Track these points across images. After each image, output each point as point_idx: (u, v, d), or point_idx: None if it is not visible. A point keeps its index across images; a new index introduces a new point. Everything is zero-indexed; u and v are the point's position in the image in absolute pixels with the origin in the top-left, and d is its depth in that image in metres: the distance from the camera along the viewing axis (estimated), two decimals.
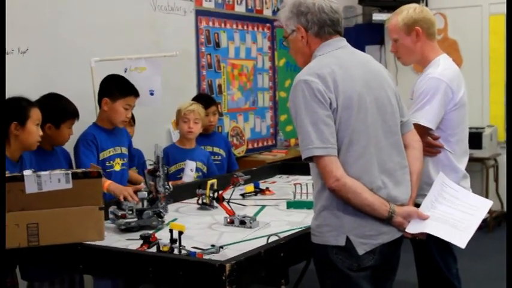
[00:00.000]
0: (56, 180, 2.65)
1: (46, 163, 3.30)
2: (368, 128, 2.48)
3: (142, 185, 3.33)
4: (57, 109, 3.46)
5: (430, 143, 3.11)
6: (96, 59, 4.21)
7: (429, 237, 2.71)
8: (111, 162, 3.75)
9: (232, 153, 4.95)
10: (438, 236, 2.53)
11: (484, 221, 6.57)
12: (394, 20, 3.25)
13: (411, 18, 3.20)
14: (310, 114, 2.41)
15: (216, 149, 4.69)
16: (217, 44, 6.16)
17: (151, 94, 4.26)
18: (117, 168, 3.76)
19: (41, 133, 3.17)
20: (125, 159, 3.85)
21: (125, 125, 3.85)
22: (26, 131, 3.09)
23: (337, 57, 2.55)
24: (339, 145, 2.43)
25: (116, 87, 3.78)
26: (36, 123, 3.14)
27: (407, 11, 3.23)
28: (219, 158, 4.69)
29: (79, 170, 2.79)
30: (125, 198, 3.19)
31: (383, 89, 2.59)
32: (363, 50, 2.73)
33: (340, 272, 2.47)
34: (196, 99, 4.79)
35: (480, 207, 2.65)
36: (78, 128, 3.69)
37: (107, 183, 3.38)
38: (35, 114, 3.15)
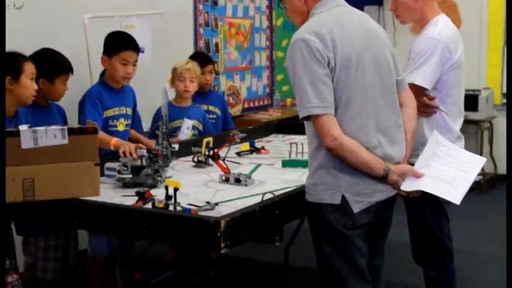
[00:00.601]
0: (51, 135, 2.65)
1: (41, 119, 3.28)
2: (365, 87, 2.49)
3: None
4: (51, 64, 3.43)
5: (426, 103, 3.11)
6: (88, 15, 4.18)
7: (422, 197, 2.75)
8: (115, 121, 3.73)
9: (228, 112, 4.95)
10: (433, 193, 2.55)
11: (477, 182, 6.63)
12: None
13: None
14: (309, 73, 2.41)
15: (211, 108, 4.69)
16: (215, 2, 6.11)
17: (142, 52, 4.24)
18: (121, 128, 3.75)
19: (35, 87, 3.14)
20: (129, 120, 3.84)
21: (127, 81, 3.80)
22: (21, 85, 3.07)
23: (335, 16, 2.54)
24: (337, 104, 2.44)
25: (110, 43, 3.75)
26: (30, 77, 3.11)
27: None
28: (215, 116, 4.68)
29: (75, 126, 2.79)
30: (124, 154, 3.18)
31: (380, 48, 2.59)
32: (361, 10, 2.71)
33: (335, 230, 2.50)
34: (192, 57, 4.77)
35: (474, 164, 2.67)
36: (73, 84, 3.67)
37: (114, 140, 3.39)
38: (29, 68, 3.11)
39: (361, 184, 2.48)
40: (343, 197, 2.47)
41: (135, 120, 3.96)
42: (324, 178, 2.49)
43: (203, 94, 4.67)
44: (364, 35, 2.55)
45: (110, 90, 3.75)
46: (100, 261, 3.72)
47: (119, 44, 3.72)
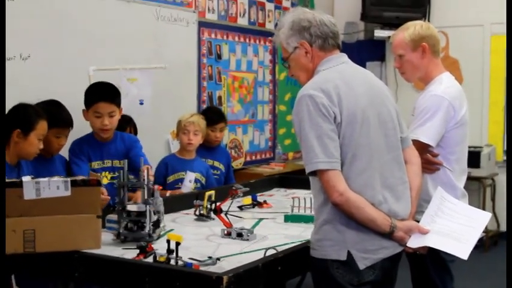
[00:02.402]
0: (54, 187, 2.65)
1: (43, 169, 3.28)
2: (371, 143, 2.49)
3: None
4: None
5: (429, 160, 3.11)
6: (93, 67, 4.23)
7: (427, 255, 2.72)
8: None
9: (231, 167, 4.94)
10: (440, 248, 2.54)
11: (480, 240, 6.54)
12: (400, 35, 3.26)
13: (418, 34, 3.22)
14: (315, 128, 2.41)
15: (216, 163, 4.68)
16: (219, 56, 6.17)
17: (141, 104, 4.27)
18: (105, 181, 3.65)
19: (41, 146, 3.16)
20: (116, 173, 3.69)
21: (106, 133, 3.69)
22: (28, 141, 3.09)
23: (340, 72, 2.56)
24: (343, 159, 2.44)
25: (86, 96, 3.71)
26: (39, 137, 3.13)
27: (414, 27, 3.24)
28: (219, 172, 4.67)
29: (78, 178, 2.78)
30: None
31: (384, 105, 2.60)
32: (364, 66, 2.75)
33: (340, 287, 2.46)
34: (205, 111, 4.80)
35: (479, 219, 2.66)
36: (78, 135, 3.69)
37: None
38: (41, 127, 3.14)
39: (367, 240, 2.45)
40: (349, 253, 2.44)
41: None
42: (329, 234, 2.47)
43: (210, 149, 4.66)
44: (369, 91, 2.56)
45: (94, 143, 3.70)
46: None
47: (91, 96, 3.67)
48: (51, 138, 3.44)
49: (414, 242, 2.51)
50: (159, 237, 2.99)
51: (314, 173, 2.45)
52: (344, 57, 2.66)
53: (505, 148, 7.08)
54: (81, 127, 3.74)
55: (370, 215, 2.43)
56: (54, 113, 3.45)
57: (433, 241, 2.52)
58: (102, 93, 3.66)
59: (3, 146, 2.97)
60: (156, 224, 3.00)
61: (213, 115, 4.68)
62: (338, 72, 2.56)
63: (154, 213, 2.99)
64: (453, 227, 2.59)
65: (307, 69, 2.64)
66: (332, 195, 2.41)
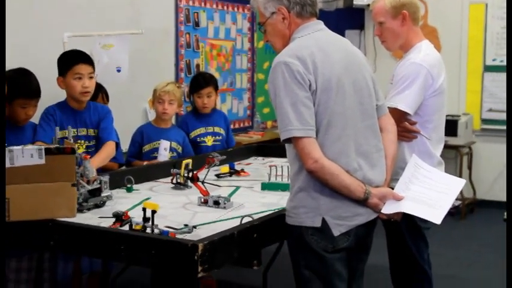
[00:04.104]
0: (28, 155, 2.61)
1: (13, 138, 3.18)
2: (346, 110, 2.49)
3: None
4: (12, 85, 3.28)
5: (407, 128, 3.12)
6: (68, 34, 4.16)
7: (402, 222, 2.74)
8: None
9: (231, 130, 4.86)
10: (414, 214, 2.55)
11: (456, 207, 6.65)
12: (381, 2, 3.24)
13: (399, 2, 3.20)
14: (290, 95, 2.41)
15: (217, 129, 4.62)
16: (197, 24, 6.12)
17: (118, 71, 4.20)
18: (80, 150, 3.54)
19: None
20: (91, 142, 3.69)
21: (86, 96, 3.63)
22: None
23: (316, 40, 2.54)
24: (317, 127, 2.44)
25: (62, 62, 3.63)
26: None
27: None
28: (220, 138, 4.62)
29: (52, 146, 2.75)
30: None
31: (360, 72, 2.59)
32: (342, 34, 2.73)
33: (315, 253, 2.48)
34: (192, 78, 4.74)
35: (453, 186, 2.68)
36: (51, 102, 3.64)
37: None
38: None
39: (341, 207, 2.47)
40: (323, 220, 2.45)
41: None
42: (304, 201, 2.48)
43: (207, 115, 4.61)
44: (345, 59, 2.55)
45: (68, 110, 3.64)
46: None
47: (70, 59, 3.61)
48: (17, 108, 3.38)
49: (388, 209, 2.53)
50: (98, 206, 2.96)
51: (289, 141, 2.45)
52: (320, 24, 2.64)
53: (483, 117, 7.12)
54: (57, 95, 3.67)
55: (344, 182, 2.44)
56: (21, 83, 3.38)
57: (407, 207, 2.54)
58: (81, 55, 3.62)
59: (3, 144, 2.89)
60: (93, 193, 2.97)
61: (196, 81, 4.62)
62: (314, 39, 2.55)
63: (89, 183, 2.96)
64: (427, 194, 2.61)
65: (283, 35, 2.62)
66: (307, 162, 2.41)
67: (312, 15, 2.62)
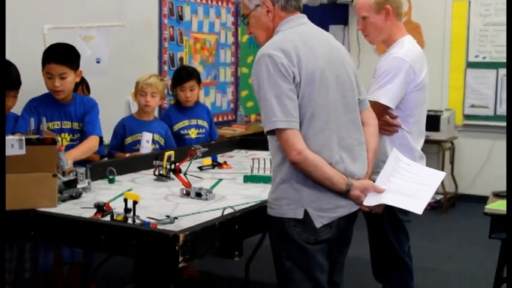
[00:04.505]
0: (9, 145, 2.59)
1: None
2: (329, 103, 2.50)
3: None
4: None
5: (388, 122, 3.13)
6: (48, 26, 4.13)
7: (383, 214, 2.76)
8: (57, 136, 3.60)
9: (213, 122, 4.86)
10: (395, 205, 2.58)
11: (438, 201, 6.70)
12: None
13: None
14: (274, 87, 2.41)
15: (200, 122, 4.62)
16: (181, 17, 6.11)
17: (98, 62, 4.18)
18: (64, 143, 3.56)
19: None
20: (76, 135, 3.66)
21: (59, 95, 3.57)
22: None
23: (300, 33, 2.55)
24: (301, 119, 2.45)
25: (42, 57, 3.58)
26: None
27: None
28: (203, 130, 4.62)
29: (33, 136, 2.74)
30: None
31: (343, 67, 2.61)
32: (326, 29, 2.75)
33: (296, 245, 2.49)
34: (175, 72, 4.73)
35: (434, 178, 2.71)
36: (32, 94, 3.61)
37: None
38: None
39: (323, 199, 2.48)
40: (305, 212, 2.46)
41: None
42: (286, 192, 2.49)
43: (190, 108, 4.60)
44: (328, 53, 2.56)
45: (53, 103, 3.60)
46: (41, 277, 3.67)
47: (44, 56, 3.56)
48: None
49: (370, 201, 2.55)
50: (73, 197, 2.95)
51: (272, 132, 2.46)
52: (304, 18, 2.65)
53: (466, 112, 7.17)
54: (37, 87, 3.65)
55: (327, 174, 2.45)
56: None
57: (388, 199, 2.56)
58: (53, 54, 3.54)
59: (3, 134, 2.86)
60: (69, 185, 2.96)
61: (179, 74, 4.61)
62: (298, 32, 2.55)
63: (64, 175, 2.95)
64: (408, 186, 2.64)
65: (267, 28, 2.63)
66: (290, 153, 2.42)
67: (296, 9, 2.63)
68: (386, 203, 2.56)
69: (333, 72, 2.54)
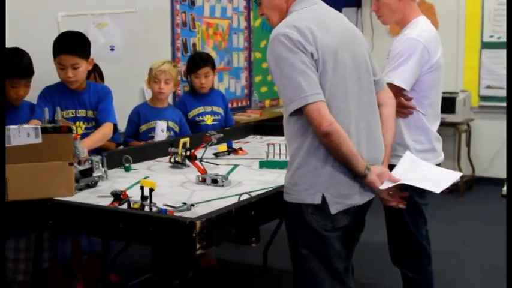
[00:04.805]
0: (25, 134, 2.60)
1: (8, 117, 3.17)
2: (346, 83, 2.46)
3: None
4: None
5: (403, 104, 3.11)
6: (62, 13, 4.13)
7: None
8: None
9: (229, 109, 4.84)
10: (413, 185, 2.55)
11: (455, 185, 6.66)
12: None
13: None
14: (296, 63, 2.36)
15: (215, 108, 4.60)
16: (192, 2, 6.08)
17: (112, 50, 4.17)
18: (79, 131, 3.54)
19: None
20: (90, 123, 3.66)
21: (73, 85, 3.57)
22: None
23: (314, 12, 2.52)
24: None
25: (52, 47, 3.56)
26: None
27: None
28: (219, 117, 4.60)
29: (49, 125, 2.74)
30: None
31: (358, 47, 2.58)
32: (339, 11, 2.70)
33: (314, 232, 2.47)
34: (189, 58, 4.72)
35: (449, 175, 2.69)
36: (46, 82, 3.61)
37: None
38: None
39: (341, 184, 2.45)
40: (323, 197, 2.43)
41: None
42: (304, 177, 2.45)
43: (206, 95, 4.58)
44: (343, 33, 2.53)
45: (67, 91, 3.60)
46: (61, 266, 3.68)
47: (54, 48, 3.54)
48: (8, 87, 3.35)
49: (386, 184, 2.52)
50: (89, 186, 2.96)
51: (297, 112, 2.39)
52: None
53: (481, 94, 7.11)
54: (53, 75, 3.64)
55: (353, 149, 2.40)
56: (11, 62, 3.34)
57: (405, 180, 2.54)
58: (64, 45, 3.53)
59: (3, 133, 2.86)
60: (84, 174, 2.96)
61: (194, 61, 4.60)
62: (312, 12, 2.52)
63: (79, 163, 2.95)
64: (425, 176, 2.61)
65: (280, 9, 2.59)
66: (322, 123, 2.34)
67: None
68: (403, 182, 2.52)
69: (349, 53, 2.50)
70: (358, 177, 2.46)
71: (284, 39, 2.38)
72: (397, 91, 3.03)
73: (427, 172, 2.70)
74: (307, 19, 2.46)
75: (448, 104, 6.43)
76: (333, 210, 2.45)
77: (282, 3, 2.58)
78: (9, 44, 3.48)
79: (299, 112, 2.40)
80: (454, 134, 6.96)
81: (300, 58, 2.36)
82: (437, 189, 2.52)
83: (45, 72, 3.60)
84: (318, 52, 2.40)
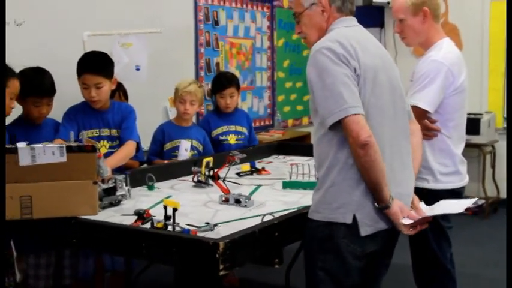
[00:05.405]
0: (50, 153, 2.62)
1: (31, 136, 3.18)
2: (383, 105, 2.44)
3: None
4: (24, 83, 3.22)
5: (427, 126, 3.09)
6: (87, 33, 4.17)
7: None
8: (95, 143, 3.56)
9: (253, 128, 4.85)
10: (436, 214, 2.54)
11: (480, 206, 6.58)
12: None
13: None
14: (339, 75, 2.33)
15: (239, 128, 4.62)
16: (216, 22, 6.11)
17: (137, 70, 4.20)
18: (103, 150, 3.57)
19: (13, 106, 3.08)
20: (114, 142, 3.67)
21: (96, 104, 3.60)
22: None
23: (354, 32, 2.52)
24: None
25: (77, 67, 3.60)
26: (10, 96, 3.04)
27: None
28: (243, 137, 4.62)
29: (73, 144, 2.76)
30: None
31: (394, 72, 2.56)
32: None
33: (339, 257, 2.42)
34: (215, 78, 4.74)
35: (469, 201, 2.68)
36: (72, 101, 3.65)
37: None
38: (12, 86, 3.03)
39: (372, 207, 2.39)
40: (354, 218, 2.38)
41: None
42: (337, 196, 2.40)
43: (230, 114, 4.60)
44: (381, 56, 2.52)
45: (91, 111, 3.62)
46: (82, 284, 3.68)
47: (78, 67, 3.58)
48: (31, 106, 3.39)
49: (407, 221, 2.45)
50: (113, 205, 2.98)
51: (335, 126, 2.35)
52: (355, 21, 2.61)
53: (505, 115, 7.05)
54: (79, 94, 3.67)
55: (384, 172, 2.36)
56: (33, 81, 3.37)
57: (428, 212, 2.54)
58: (88, 65, 3.56)
59: (3, 135, 2.88)
60: (108, 192, 2.98)
61: (219, 81, 4.61)
62: (353, 31, 2.51)
63: (103, 182, 2.97)
64: (444, 205, 2.63)
65: (320, 28, 2.57)
66: (361, 134, 2.29)
67: (349, 13, 2.58)
68: (425, 215, 2.50)
69: (386, 76, 2.48)
70: (381, 208, 2.40)
71: (328, 52, 2.36)
72: (422, 114, 3.02)
73: (447, 202, 2.69)
74: (349, 36, 2.44)
75: (473, 125, 6.38)
76: (363, 232, 2.39)
77: (322, 22, 2.56)
78: (36, 62, 3.53)
79: (337, 126, 2.35)
80: (479, 156, 6.90)
81: (343, 71, 2.34)
82: (460, 209, 2.50)
83: (72, 91, 3.62)
84: (360, 69, 2.37)
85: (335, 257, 2.43)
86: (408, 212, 2.47)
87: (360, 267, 2.47)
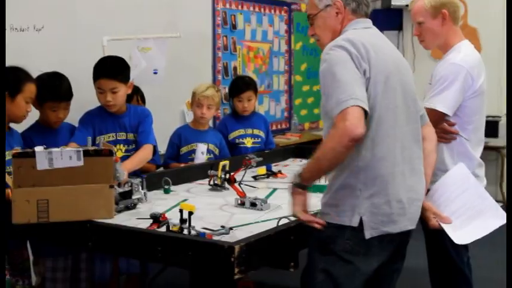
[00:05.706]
0: (67, 157, 2.64)
1: (48, 140, 3.21)
2: (395, 108, 2.41)
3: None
4: (41, 88, 3.26)
5: (446, 129, 3.08)
6: (107, 37, 4.20)
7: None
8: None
9: (270, 132, 4.85)
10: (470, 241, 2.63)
11: None
12: (420, 2, 3.20)
13: (438, 1, 3.16)
14: (351, 72, 2.30)
15: (256, 131, 4.62)
16: (234, 26, 6.13)
17: (155, 73, 4.23)
18: (119, 154, 3.56)
19: (29, 109, 3.12)
20: (131, 146, 3.67)
21: (112, 108, 3.60)
22: (15, 104, 3.02)
23: (369, 34, 2.49)
24: (369, 119, 2.33)
25: (93, 73, 3.61)
26: (26, 100, 3.07)
27: None
28: (259, 140, 4.62)
29: (90, 148, 2.78)
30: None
31: (408, 76, 2.53)
32: None
33: (341, 259, 2.40)
34: (232, 82, 4.75)
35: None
36: (90, 106, 3.68)
37: None
38: (29, 90, 3.07)
39: (378, 210, 2.37)
40: (360, 220, 2.36)
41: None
42: (345, 199, 2.39)
43: (247, 118, 4.61)
44: (395, 59, 2.49)
45: (108, 115, 3.63)
46: (98, 287, 3.70)
47: (94, 72, 3.59)
48: (48, 111, 3.41)
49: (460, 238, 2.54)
50: (129, 208, 2.99)
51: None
52: (371, 23, 2.58)
53: None
54: (97, 99, 3.70)
55: None
56: (51, 86, 3.40)
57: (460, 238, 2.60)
58: (103, 69, 3.58)
59: (3, 135, 2.91)
60: (124, 196, 2.99)
61: (237, 85, 4.62)
62: (367, 33, 2.49)
63: (119, 186, 2.98)
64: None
65: (334, 30, 2.54)
66: (359, 127, 2.22)
67: (365, 16, 2.56)
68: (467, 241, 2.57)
69: (400, 79, 2.45)
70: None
71: (340, 50, 2.33)
72: (440, 117, 3.00)
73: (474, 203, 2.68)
74: (363, 37, 2.41)
75: (491, 127, 6.34)
76: (368, 234, 2.37)
77: (336, 24, 2.54)
78: (56, 67, 3.56)
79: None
80: (497, 159, 6.84)
81: (355, 69, 2.31)
82: (496, 225, 2.51)
83: (90, 96, 3.64)
84: (371, 71, 2.34)
85: (337, 259, 2.40)
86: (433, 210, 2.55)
87: (363, 272, 2.43)
